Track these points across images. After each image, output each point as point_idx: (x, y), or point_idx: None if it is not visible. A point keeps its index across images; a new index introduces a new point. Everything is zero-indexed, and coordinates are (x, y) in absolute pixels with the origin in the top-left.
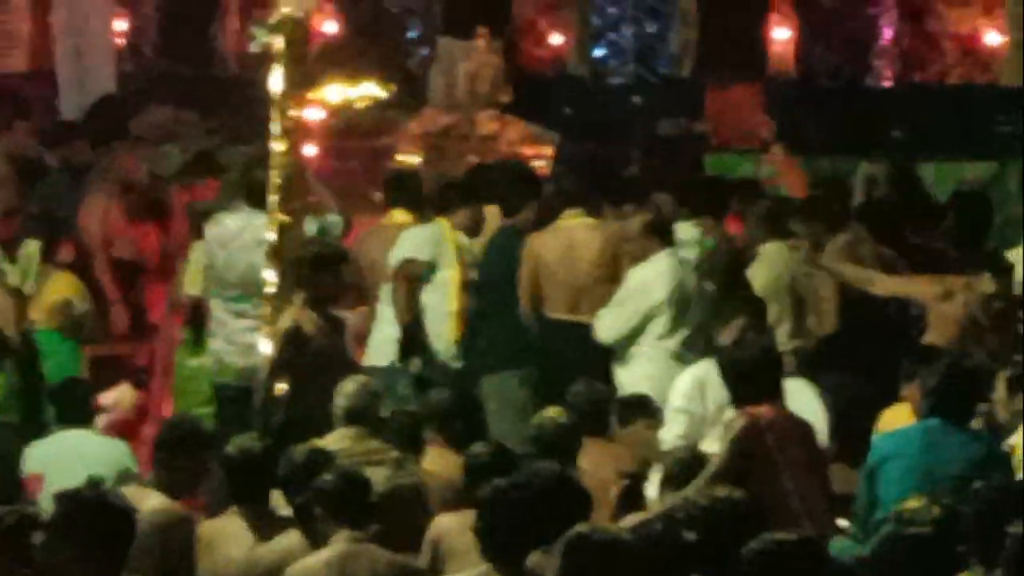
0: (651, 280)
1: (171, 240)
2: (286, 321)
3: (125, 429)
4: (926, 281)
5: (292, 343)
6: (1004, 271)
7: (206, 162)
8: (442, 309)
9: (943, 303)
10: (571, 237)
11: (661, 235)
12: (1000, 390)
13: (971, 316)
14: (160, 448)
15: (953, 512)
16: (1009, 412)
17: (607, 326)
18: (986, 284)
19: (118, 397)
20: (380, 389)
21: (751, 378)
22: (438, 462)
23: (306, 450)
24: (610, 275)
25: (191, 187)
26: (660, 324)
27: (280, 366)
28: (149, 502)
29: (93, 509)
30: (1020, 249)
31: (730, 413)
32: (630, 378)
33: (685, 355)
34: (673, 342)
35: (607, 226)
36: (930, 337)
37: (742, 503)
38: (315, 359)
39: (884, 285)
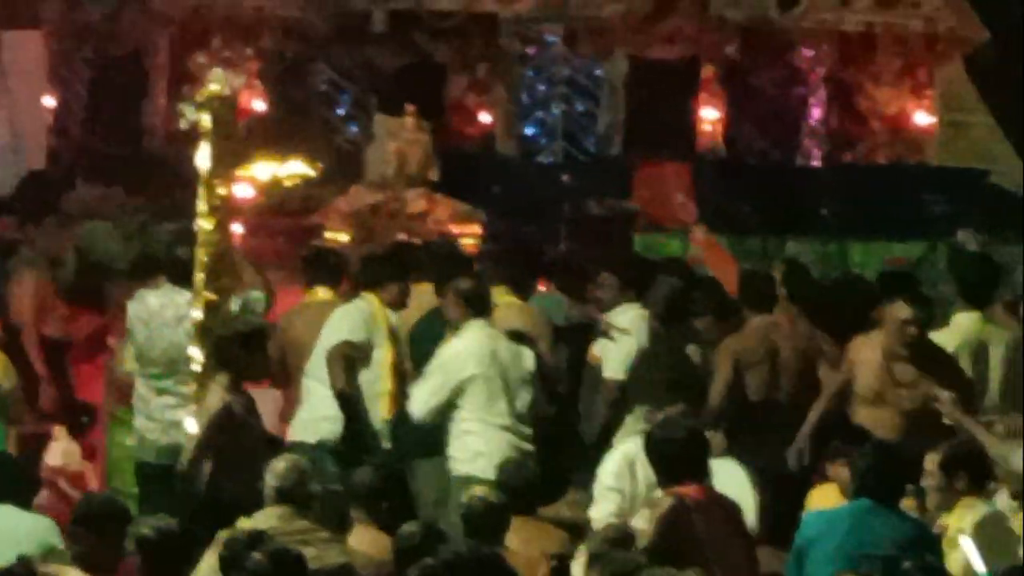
0: (461, 352)
1: (103, 317)
2: (214, 400)
3: (79, 482)
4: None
5: (221, 423)
6: (919, 298)
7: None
8: (375, 389)
9: (863, 350)
10: (499, 316)
11: (475, 305)
12: (932, 471)
13: (889, 351)
14: (76, 524)
15: None
16: (942, 494)
17: (416, 399)
18: (900, 309)
19: (65, 451)
20: (308, 467)
21: (677, 458)
22: (365, 541)
23: (243, 530)
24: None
25: None
26: (477, 397)
27: (208, 445)
28: None
29: None
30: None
31: (657, 492)
32: (463, 454)
33: (518, 428)
34: (498, 415)
35: (530, 309)
36: (860, 415)
37: None
38: (243, 439)
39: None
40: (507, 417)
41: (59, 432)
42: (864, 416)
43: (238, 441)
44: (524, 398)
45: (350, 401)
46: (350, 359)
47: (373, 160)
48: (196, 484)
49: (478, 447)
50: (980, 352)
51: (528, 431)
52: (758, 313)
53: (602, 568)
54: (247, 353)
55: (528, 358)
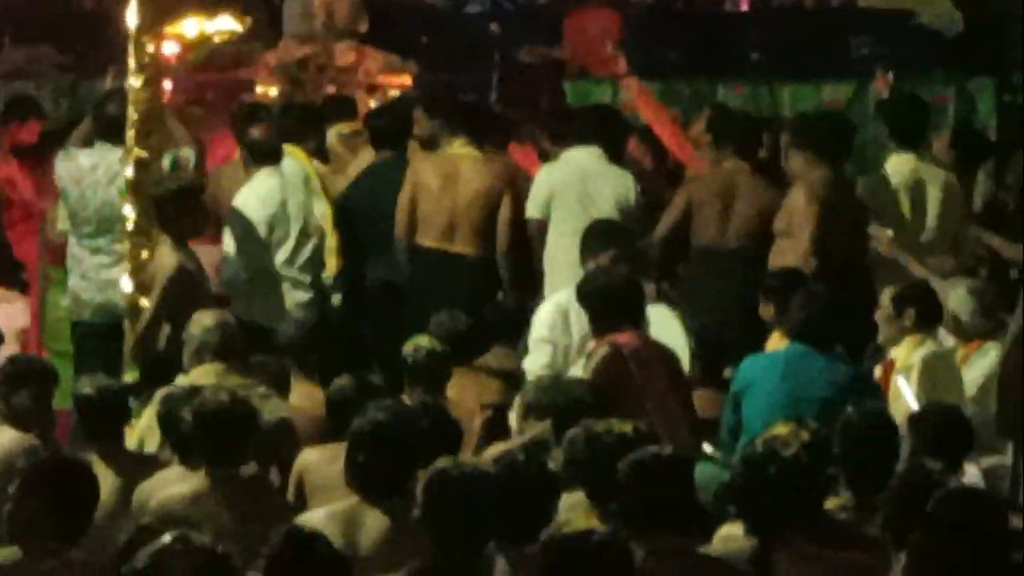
0: (248, 203)
1: (38, 178)
2: (166, 260)
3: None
4: None
5: (177, 282)
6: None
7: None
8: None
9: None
10: (455, 166)
11: (263, 156)
12: (884, 304)
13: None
14: (2, 384)
15: (821, 437)
16: (891, 328)
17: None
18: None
19: (12, 311)
20: (234, 322)
21: (613, 306)
22: (302, 395)
23: (180, 387)
24: (490, 208)
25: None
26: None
27: (165, 306)
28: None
29: None
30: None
31: (591, 342)
32: (265, 313)
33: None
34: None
35: (494, 158)
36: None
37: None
38: (197, 296)
39: None
40: (300, 270)
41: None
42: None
43: (193, 299)
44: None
45: None
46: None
47: (299, 14)
48: (155, 345)
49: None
50: (918, 191)
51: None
52: (733, 157)
53: (540, 403)
54: (182, 211)
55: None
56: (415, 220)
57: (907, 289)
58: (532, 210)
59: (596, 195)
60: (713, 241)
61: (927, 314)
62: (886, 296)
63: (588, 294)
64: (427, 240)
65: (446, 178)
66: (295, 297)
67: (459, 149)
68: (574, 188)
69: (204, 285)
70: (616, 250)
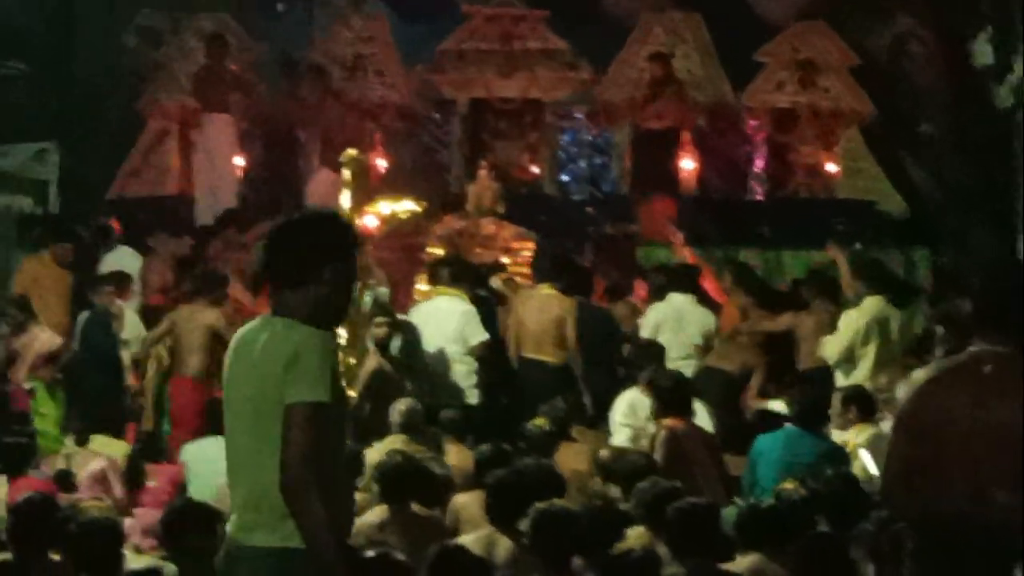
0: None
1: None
2: (370, 364)
3: None
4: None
5: (376, 380)
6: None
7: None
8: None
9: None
10: (544, 302)
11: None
12: (835, 405)
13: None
14: None
15: (813, 491)
16: (841, 419)
17: None
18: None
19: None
20: (420, 408)
21: (672, 399)
22: (456, 457)
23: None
24: (561, 329)
25: None
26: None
27: (368, 395)
28: None
29: None
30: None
31: (652, 426)
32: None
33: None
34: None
35: (563, 298)
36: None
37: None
38: (391, 392)
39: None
40: None
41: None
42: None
43: (386, 392)
44: None
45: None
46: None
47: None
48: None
49: None
50: (884, 323)
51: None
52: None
53: (614, 467)
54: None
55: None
56: (518, 337)
57: (850, 392)
58: (645, 332)
59: (688, 325)
60: None
61: (865, 409)
62: (836, 398)
63: (656, 388)
64: (527, 352)
65: (537, 310)
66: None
67: (545, 291)
68: (671, 320)
69: (396, 380)
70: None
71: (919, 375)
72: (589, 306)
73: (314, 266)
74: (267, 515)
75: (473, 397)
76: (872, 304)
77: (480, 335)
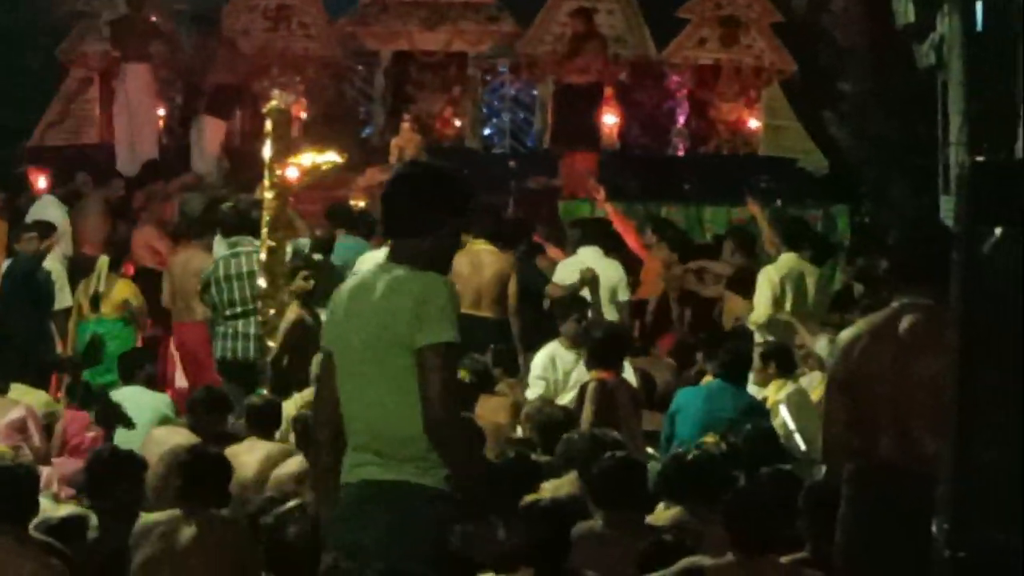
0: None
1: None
2: (290, 316)
3: None
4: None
5: (296, 329)
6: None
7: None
8: None
9: None
10: (479, 257)
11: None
12: (755, 361)
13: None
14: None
15: (732, 446)
16: (760, 375)
17: None
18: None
19: None
20: None
21: (604, 351)
22: None
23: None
24: (502, 285)
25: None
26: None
27: (287, 346)
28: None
29: None
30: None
31: (578, 378)
32: None
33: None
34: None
35: (500, 252)
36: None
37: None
38: (309, 342)
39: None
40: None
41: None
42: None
43: (306, 344)
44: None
45: None
46: None
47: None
48: (278, 369)
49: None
50: (799, 280)
51: None
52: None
53: (535, 419)
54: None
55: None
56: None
57: (769, 348)
58: (558, 287)
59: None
60: None
61: (784, 364)
62: (756, 354)
63: (588, 341)
64: (461, 308)
65: (472, 265)
66: None
67: (480, 246)
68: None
69: (317, 331)
70: (579, 315)
71: (845, 335)
72: (526, 262)
73: (435, 218)
74: (383, 454)
75: None
76: (787, 260)
77: None
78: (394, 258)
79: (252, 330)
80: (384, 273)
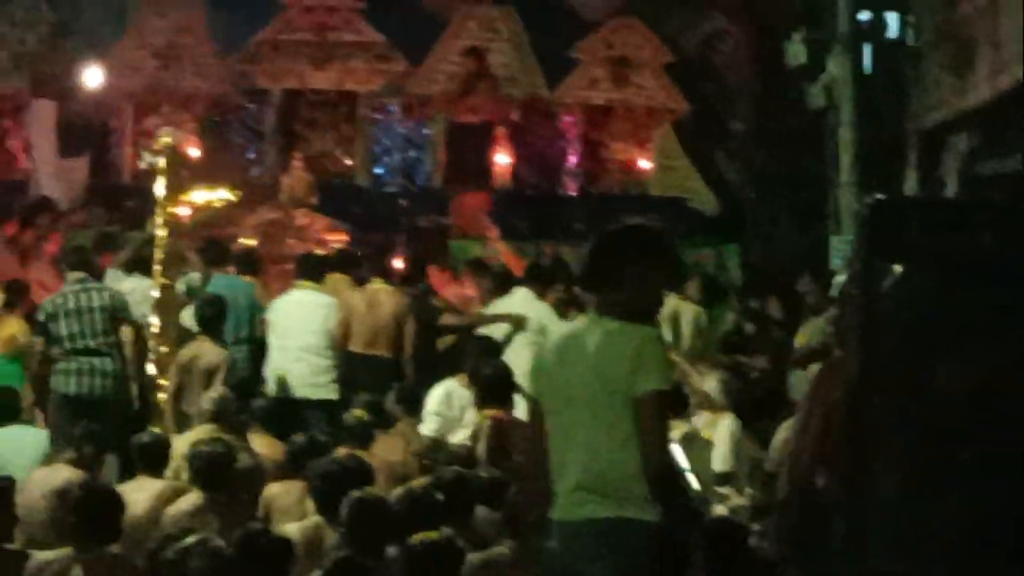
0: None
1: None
2: (192, 350)
3: None
4: None
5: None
6: None
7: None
8: None
9: None
10: (373, 296)
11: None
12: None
13: None
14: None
15: None
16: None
17: None
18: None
19: None
20: (232, 397)
21: (496, 389)
22: (264, 447)
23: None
24: (398, 325)
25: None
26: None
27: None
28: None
29: None
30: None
31: (474, 415)
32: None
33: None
34: None
35: (396, 291)
36: None
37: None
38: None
39: None
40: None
41: None
42: None
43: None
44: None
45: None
46: None
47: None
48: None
49: None
50: (675, 319)
51: None
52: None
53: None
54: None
55: None
56: (349, 333)
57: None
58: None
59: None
60: None
61: (678, 405)
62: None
63: (477, 379)
64: (357, 347)
65: (368, 304)
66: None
67: (377, 285)
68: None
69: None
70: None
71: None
72: (422, 300)
73: (637, 272)
74: (601, 493)
75: (333, 392)
76: (666, 302)
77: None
78: (603, 311)
79: (111, 368)
80: (595, 326)
